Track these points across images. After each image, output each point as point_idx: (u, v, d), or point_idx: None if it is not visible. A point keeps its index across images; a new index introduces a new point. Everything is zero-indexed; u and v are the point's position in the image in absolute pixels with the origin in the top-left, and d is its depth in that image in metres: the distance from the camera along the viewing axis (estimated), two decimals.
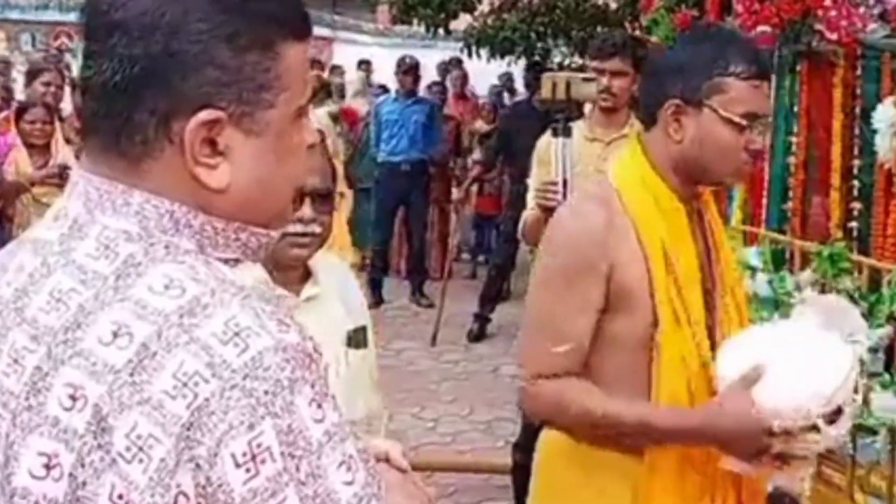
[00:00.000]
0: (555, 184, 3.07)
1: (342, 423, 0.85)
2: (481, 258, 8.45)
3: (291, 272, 1.76)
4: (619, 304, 1.76)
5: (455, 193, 7.17)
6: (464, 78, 9.27)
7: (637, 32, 4.42)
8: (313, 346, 0.86)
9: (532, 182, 3.41)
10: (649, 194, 1.80)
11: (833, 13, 3.66)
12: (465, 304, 6.80)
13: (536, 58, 8.46)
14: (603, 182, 1.87)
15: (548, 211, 3.05)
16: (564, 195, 3.01)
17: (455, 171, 8.31)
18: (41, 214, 3.61)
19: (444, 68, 9.82)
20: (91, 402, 0.81)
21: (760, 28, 3.75)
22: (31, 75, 5.37)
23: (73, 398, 0.82)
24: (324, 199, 1.76)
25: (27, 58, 6.83)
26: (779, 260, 3.41)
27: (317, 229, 1.74)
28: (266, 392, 0.80)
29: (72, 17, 10.40)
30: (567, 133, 3.08)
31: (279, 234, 0.99)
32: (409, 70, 7.50)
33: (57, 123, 4.77)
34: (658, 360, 1.75)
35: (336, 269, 1.91)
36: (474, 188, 8.11)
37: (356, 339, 1.82)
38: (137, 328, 0.82)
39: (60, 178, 4.43)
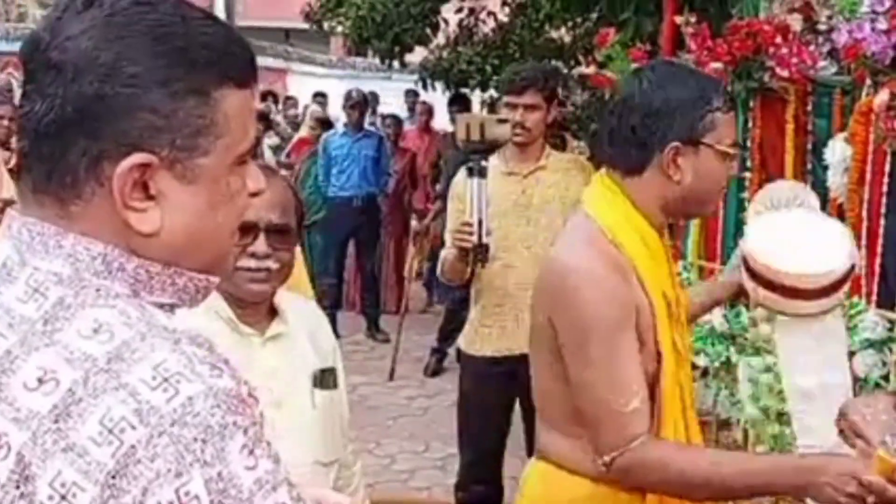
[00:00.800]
0: (470, 224, 3.09)
1: (275, 469, 0.83)
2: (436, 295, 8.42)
3: (256, 309, 1.73)
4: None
5: (414, 225, 7.15)
6: (429, 112, 9.28)
7: (592, 67, 4.44)
8: (248, 391, 0.85)
9: (448, 219, 3.45)
10: (638, 235, 1.82)
11: (784, 51, 3.71)
12: (422, 337, 6.76)
13: (491, 92, 8.52)
14: (592, 225, 1.83)
15: (463, 251, 3.14)
16: (480, 235, 3.08)
17: (411, 203, 8.30)
18: None
19: (411, 105, 9.80)
20: (14, 450, 0.79)
21: (713, 64, 3.79)
22: None
23: None
24: (281, 234, 1.71)
25: None
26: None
27: (272, 265, 1.69)
28: (195, 439, 0.79)
29: (17, 47, 10.28)
30: (482, 174, 3.10)
31: (220, 279, 0.97)
32: (356, 104, 7.48)
33: (1, 158, 4.66)
34: (661, 393, 1.78)
35: (307, 310, 1.88)
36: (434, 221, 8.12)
37: (324, 379, 1.79)
38: (64, 373, 0.80)
39: (4, 212, 4.34)
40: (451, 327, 6.65)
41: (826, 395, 2.00)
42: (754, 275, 2.02)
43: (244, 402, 0.83)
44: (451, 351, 6.60)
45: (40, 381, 0.80)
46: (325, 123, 8.40)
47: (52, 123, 0.85)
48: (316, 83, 13.49)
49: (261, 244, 1.68)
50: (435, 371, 6.50)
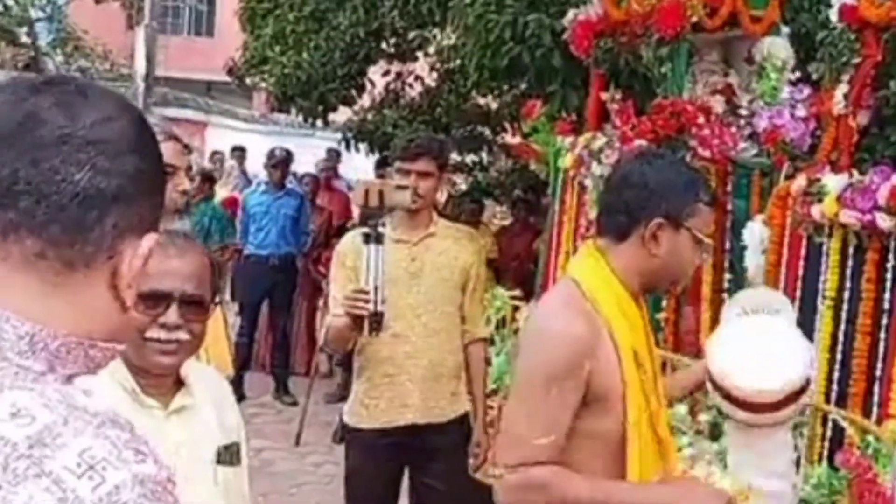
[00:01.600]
0: (366, 292, 3.00)
1: None
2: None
3: (161, 380, 1.67)
4: (594, 403, 1.93)
5: (328, 288, 7.02)
6: (333, 170, 9.24)
7: (517, 137, 4.45)
8: (168, 476, 0.83)
9: (334, 286, 3.37)
10: (614, 298, 1.98)
11: (706, 132, 3.77)
12: (331, 402, 6.60)
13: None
14: (574, 288, 2.00)
15: (357, 319, 3.04)
16: (376, 302, 3.00)
17: (324, 263, 8.18)
18: None
19: (325, 160, 9.74)
20: None
21: (638, 141, 3.82)
22: None
23: None
24: (195, 305, 1.66)
25: None
26: None
27: (183, 336, 1.64)
28: None
29: None
30: (378, 240, 3.06)
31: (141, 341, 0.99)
32: (278, 163, 7.39)
33: None
34: (631, 450, 1.94)
35: (213, 381, 1.82)
36: None
37: (227, 456, 1.73)
38: None
39: None
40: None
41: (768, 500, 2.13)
42: (713, 382, 2.22)
43: (166, 488, 0.81)
44: None
45: None
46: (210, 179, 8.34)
47: (95, 194, 0.87)
48: (236, 137, 13.36)
49: (173, 315, 1.63)
50: (343, 437, 6.32)
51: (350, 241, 3.36)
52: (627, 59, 4.96)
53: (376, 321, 3.02)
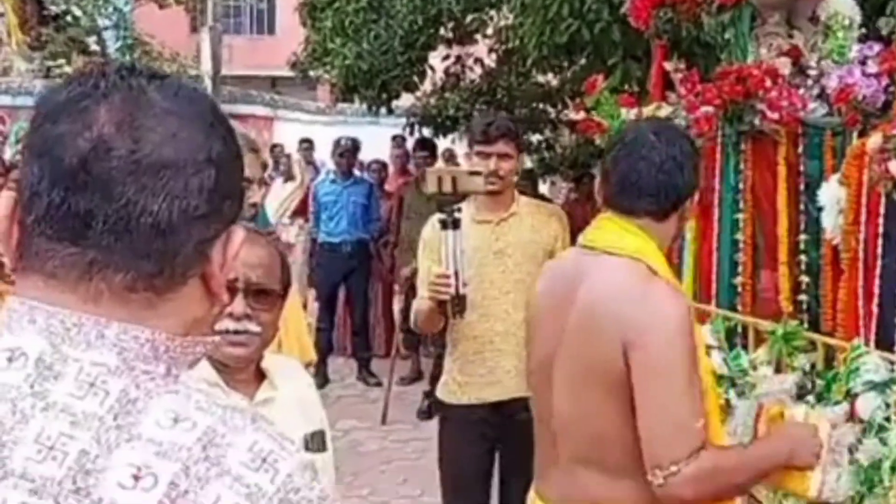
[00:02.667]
0: (447, 276, 3.09)
1: None
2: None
3: (241, 373, 1.69)
4: None
5: (405, 270, 7.15)
6: (405, 155, 9.33)
7: (581, 113, 4.48)
8: None
9: (420, 268, 3.45)
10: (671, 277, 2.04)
11: (774, 94, 3.76)
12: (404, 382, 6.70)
13: None
14: (641, 266, 2.01)
15: (441, 303, 3.15)
16: (456, 287, 3.09)
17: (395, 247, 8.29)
18: None
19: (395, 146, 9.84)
20: None
21: (704, 108, 3.83)
22: None
23: None
24: (262, 295, 1.67)
25: None
26: (731, 335, 3.44)
27: (252, 327, 1.64)
28: None
29: (3, 100, 10.28)
30: (455, 225, 3.11)
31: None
32: (345, 152, 7.54)
33: None
34: (711, 411, 2.01)
35: (294, 372, 1.85)
36: None
37: (314, 444, 1.76)
38: (160, 467, 0.78)
39: None
40: (441, 370, 6.63)
41: None
42: None
43: (317, 473, 0.84)
44: None
45: (136, 477, 0.78)
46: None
47: (176, 220, 0.85)
48: (303, 129, 13.54)
49: (239, 304, 1.63)
50: (428, 414, 6.45)
51: (430, 227, 3.41)
52: (688, 28, 4.94)
53: (459, 304, 3.11)
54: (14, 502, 0.78)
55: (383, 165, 8.83)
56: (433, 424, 6.26)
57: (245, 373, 1.71)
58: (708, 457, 1.90)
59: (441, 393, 3.54)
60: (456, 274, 3.09)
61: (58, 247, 0.84)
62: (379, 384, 6.92)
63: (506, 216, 3.45)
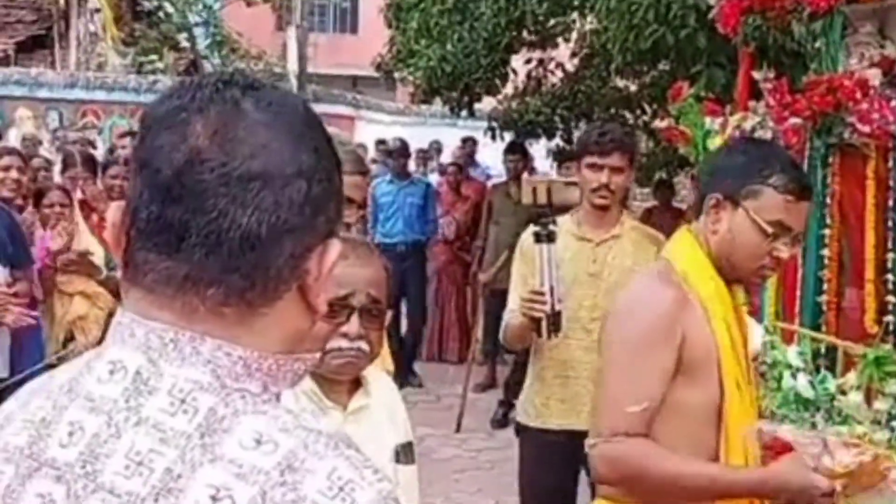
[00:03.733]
0: (541, 293, 2.93)
1: None
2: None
3: (340, 384, 1.70)
4: (686, 373, 1.94)
5: (482, 276, 7.13)
6: (468, 157, 9.33)
7: (665, 121, 4.41)
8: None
9: (514, 281, 3.29)
10: (709, 277, 2.00)
11: (865, 106, 3.65)
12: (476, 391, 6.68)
13: (558, 140, 8.53)
14: (667, 265, 2.05)
15: (534, 321, 2.97)
16: (552, 304, 2.92)
17: (472, 251, 8.30)
18: (63, 302, 3.53)
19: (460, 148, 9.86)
20: None
21: (792, 120, 3.74)
22: (65, 166, 5.39)
23: None
24: (374, 314, 1.66)
25: (61, 146, 6.86)
26: (815, 357, 3.35)
27: (363, 346, 1.64)
28: None
29: (98, 95, 10.60)
30: (550, 238, 2.95)
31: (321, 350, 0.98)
32: (393, 153, 7.58)
33: (76, 209, 4.77)
34: (725, 429, 1.95)
35: (383, 381, 1.84)
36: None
37: (404, 455, 1.75)
38: (238, 490, 0.77)
39: (80, 264, 4.43)
40: (518, 378, 6.59)
41: None
42: None
43: (399, 502, 0.82)
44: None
45: (214, 498, 0.77)
46: None
47: (266, 233, 0.84)
48: (382, 130, 13.66)
49: (354, 325, 1.62)
50: (502, 423, 6.43)
51: (527, 240, 3.23)
52: (776, 36, 4.83)
53: (554, 322, 2.94)
54: None
55: (459, 168, 8.84)
56: (507, 433, 6.23)
57: (343, 383, 1.70)
58: (630, 445, 1.89)
59: (521, 413, 3.39)
60: (551, 290, 2.92)
61: (155, 259, 0.85)
62: (421, 385, 6.90)
63: (607, 237, 3.23)
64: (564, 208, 3.29)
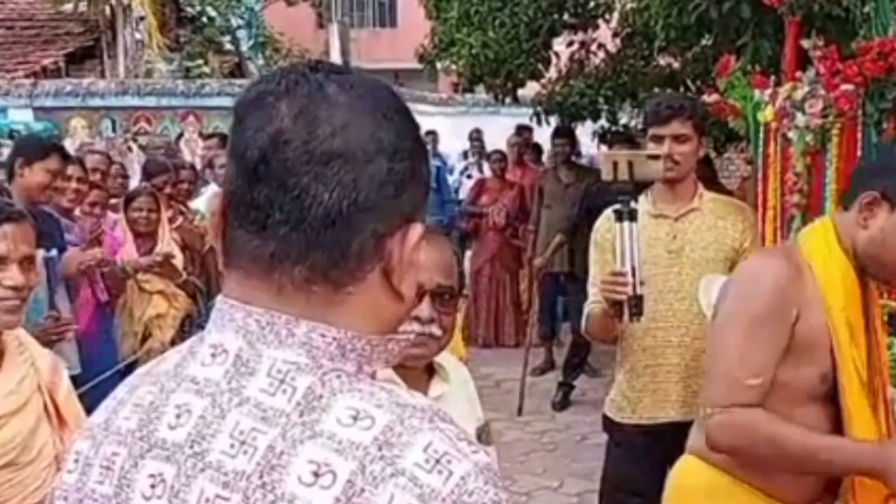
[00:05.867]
0: (623, 274, 2.72)
1: None
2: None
3: (414, 371, 1.68)
4: (797, 352, 1.95)
5: (537, 261, 7.15)
6: (524, 145, 9.31)
7: (714, 95, 4.38)
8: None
9: (592, 270, 3.14)
10: (837, 268, 1.99)
11: None
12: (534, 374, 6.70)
13: (603, 122, 8.49)
14: (793, 246, 2.09)
15: (616, 304, 2.77)
16: (634, 286, 2.71)
17: (519, 236, 8.34)
18: (143, 300, 3.64)
19: (515, 135, 9.85)
20: None
21: (844, 86, 3.71)
22: (147, 175, 5.51)
23: None
24: (446, 297, 1.64)
25: (147, 153, 7.01)
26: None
27: (436, 331, 1.62)
28: None
29: (149, 101, 10.76)
30: (632, 217, 2.75)
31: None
32: None
33: (163, 213, 4.89)
34: (845, 410, 1.95)
35: (456, 366, 1.84)
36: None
37: (485, 436, 1.75)
38: (338, 464, 0.79)
39: (163, 266, 4.54)
40: (576, 360, 6.63)
41: None
42: None
43: (496, 474, 0.83)
44: (578, 384, 6.61)
45: (316, 474, 0.79)
46: None
47: (347, 210, 0.86)
48: (427, 121, 13.72)
49: (426, 308, 1.60)
50: (563, 405, 6.47)
51: (604, 220, 3.11)
52: (822, 4, 4.78)
53: (637, 305, 2.73)
54: (210, 494, 0.82)
55: (503, 156, 8.86)
56: (568, 415, 6.30)
57: (418, 369, 1.69)
58: (750, 414, 1.92)
59: (609, 409, 3.20)
60: (633, 271, 2.71)
61: (246, 239, 0.88)
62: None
63: (685, 211, 3.08)
64: (647, 184, 3.12)
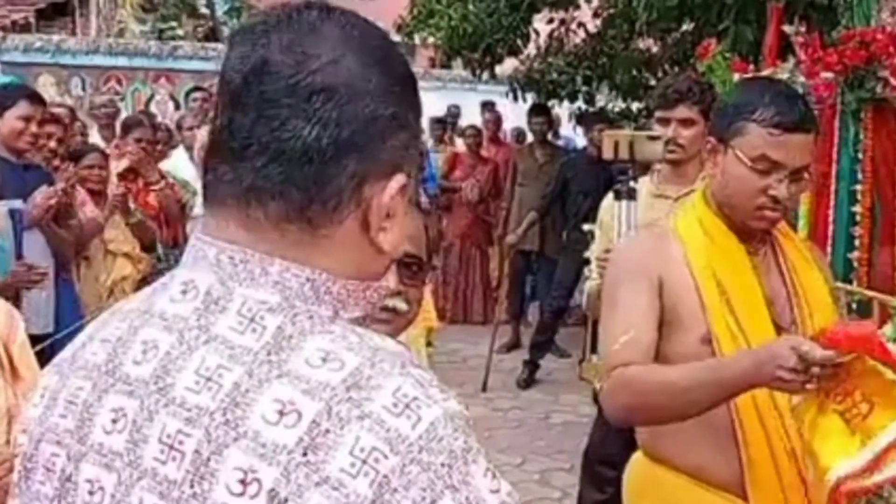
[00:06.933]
0: None
1: (513, 491, 0.82)
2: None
3: None
4: (671, 322, 1.91)
5: (509, 238, 7.13)
6: (496, 122, 9.29)
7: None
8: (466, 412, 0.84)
9: (595, 248, 3.18)
10: (704, 232, 1.97)
11: None
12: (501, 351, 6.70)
13: (580, 103, 8.47)
14: (661, 222, 2.12)
15: None
16: None
17: (491, 212, 8.32)
18: (108, 263, 3.57)
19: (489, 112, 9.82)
20: (265, 487, 0.76)
21: (824, 74, 3.71)
22: (125, 129, 5.42)
23: (243, 483, 0.77)
24: (413, 269, 1.55)
25: (91, 110, 6.87)
26: (849, 310, 3.34)
27: (401, 305, 1.51)
28: (443, 465, 0.77)
29: (121, 61, 10.58)
30: (631, 196, 2.79)
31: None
32: None
33: (111, 169, 4.82)
34: None
35: (419, 353, 1.81)
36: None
37: None
38: (304, 404, 0.78)
39: (122, 202, 4.53)
40: (543, 339, 6.63)
41: None
42: None
43: (469, 423, 0.81)
44: (544, 363, 6.61)
45: (280, 413, 0.78)
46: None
47: (326, 147, 0.84)
48: None
49: (391, 279, 1.47)
50: (528, 383, 6.47)
51: (608, 199, 3.13)
52: None
53: None
54: (171, 429, 0.81)
55: (478, 132, 8.83)
56: (532, 393, 6.31)
57: None
58: (629, 370, 1.83)
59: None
60: None
61: (223, 170, 0.86)
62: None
63: (686, 192, 3.06)
64: (646, 166, 3.15)
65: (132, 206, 4.72)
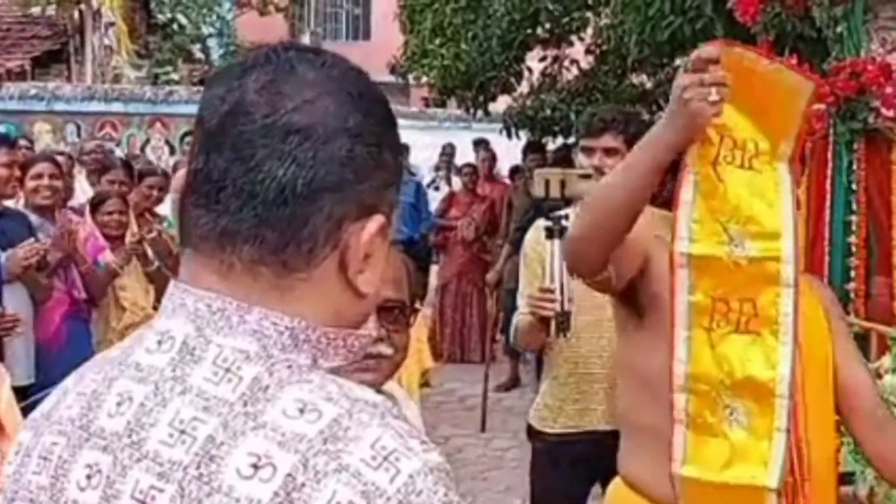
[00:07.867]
0: (551, 291, 2.75)
1: None
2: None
3: None
4: (647, 312, 1.99)
5: (490, 275, 7.11)
6: (492, 159, 9.31)
7: None
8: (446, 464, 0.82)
9: (522, 282, 3.14)
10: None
11: (889, 90, 3.62)
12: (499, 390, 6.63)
13: (574, 139, 8.49)
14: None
15: (543, 320, 2.79)
16: (562, 302, 2.73)
17: (489, 251, 8.30)
18: (116, 311, 3.59)
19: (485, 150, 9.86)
20: None
21: (816, 106, 3.70)
22: (99, 173, 5.43)
23: None
24: (396, 313, 1.50)
25: (80, 155, 6.88)
26: None
27: (385, 350, 1.47)
28: None
29: (115, 107, 10.62)
30: (562, 234, 2.73)
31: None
32: None
33: (131, 215, 4.81)
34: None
35: (407, 399, 1.71)
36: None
37: None
38: (279, 458, 0.75)
39: (137, 250, 4.55)
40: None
41: None
42: None
43: (450, 475, 0.79)
44: None
45: (255, 467, 0.76)
46: None
47: (302, 187, 0.82)
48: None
49: (371, 325, 1.40)
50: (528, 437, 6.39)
51: (534, 231, 3.12)
52: (794, 23, 4.79)
53: (563, 321, 2.76)
54: (144, 485, 0.79)
55: (474, 170, 8.84)
56: None
57: None
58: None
59: (532, 417, 3.20)
60: (561, 288, 2.73)
61: (198, 214, 0.84)
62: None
63: None
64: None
65: (150, 253, 4.68)
